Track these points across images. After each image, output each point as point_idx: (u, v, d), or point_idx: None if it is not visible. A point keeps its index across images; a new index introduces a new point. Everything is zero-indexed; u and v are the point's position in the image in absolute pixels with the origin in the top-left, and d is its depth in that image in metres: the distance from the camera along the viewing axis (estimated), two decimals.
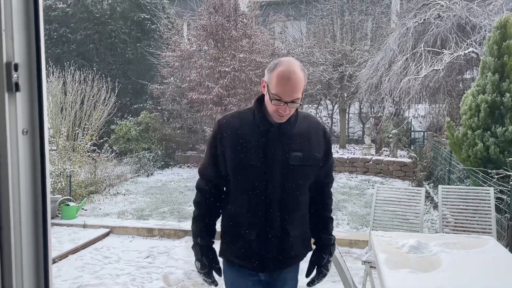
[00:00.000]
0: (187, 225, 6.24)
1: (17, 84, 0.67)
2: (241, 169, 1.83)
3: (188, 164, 12.34)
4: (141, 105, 13.51)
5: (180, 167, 12.19)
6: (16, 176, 0.68)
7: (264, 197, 1.83)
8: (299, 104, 1.77)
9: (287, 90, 1.72)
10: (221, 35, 11.12)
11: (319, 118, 4.10)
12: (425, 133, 13.13)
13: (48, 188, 0.72)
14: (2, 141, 0.66)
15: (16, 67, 0.67)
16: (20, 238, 0.68)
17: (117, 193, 8.65)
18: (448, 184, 6.83)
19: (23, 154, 0.69)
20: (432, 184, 8.71)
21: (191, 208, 7.41)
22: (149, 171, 10.90)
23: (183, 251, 5.40)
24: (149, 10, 13.57)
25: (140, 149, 11.66)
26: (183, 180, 10.10)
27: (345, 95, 13.12)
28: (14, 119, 0.67)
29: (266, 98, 1.81)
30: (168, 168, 11.88)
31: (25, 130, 0.69)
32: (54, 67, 9.04)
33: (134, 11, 13.47)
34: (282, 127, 1.84)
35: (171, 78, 12.12)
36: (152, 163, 11.31)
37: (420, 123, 13.98)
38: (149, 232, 6.15)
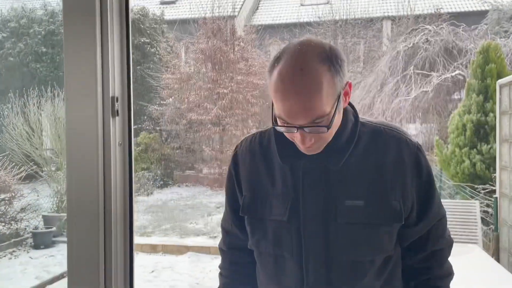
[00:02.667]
0: (189, 241, 6.47)
1: (117, 111, 0.97)
2: (257, 227, 1.14)
3: (187, 184, 12.57)
4: (140, 125, 13.82)
5: (179, 186, 12.41)
6: (115, 173, 0.98)
7: (298, 275, 1.09)
8: (326, 128, 0.97)
9: (292, 106, 0.95)
10: (219, 58, 11.55)
11: None
12: None
13: (133, 183, 1.02)
14: (107, 150, 0.96)
15: (117, 99, 0.97)
16: (116, 217, 0.98)
17: None
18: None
19: (118, 159, 0.99)
20: None
21: (192, 226, 7.68)
22: (148, 191, 11.12)
23: (187, 266, 5.62)
24: (149, 34, 14.02)
25: (139, 169, 11.91)
26: (183, 199, 10.32)
27: None
28: (114, 135, 0.98)
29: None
30: (167, 187, 12.10)
31: (120, 142, 0.99)
32: (55, 90, 9.34)
33: (134, 35, 13.90)
34: (324, 157, 1.06)
35: (170, 100, 12.48)
36: (151, 182, 11.55)
37: None
38: (153, 248, 6.36)
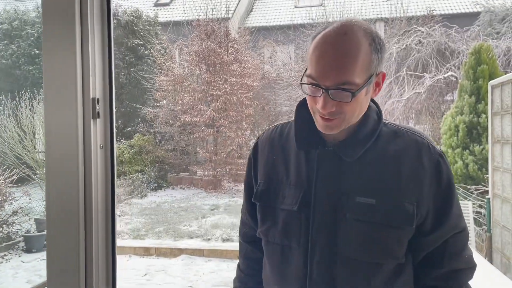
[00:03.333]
0: (183, 243, 6.44)
1: (98, 113, 0.96)
2: (268, 215, 1.14)
3: (181, 186, 12.53)
4: (134, 128, 13.77)
5: (173, 188, 12.37)
6: (96, 176, 0.96)
7: (302, 267, 1.07)
8: (351, 94, 0.96)
9: (327, 64, 0.96)
10: (213, 60, 11.53)
11: None
12: None
13: (115, 186, 1.00)
14: (88, 153, 0.94)
15: (98, 101, 0.95)
16: (98, 221, 0.96)
17: None
18: None
19: (100, 162, 0.97)
20: None
21: (185, 228, 7.64)
22: (142, 193, 11.07)
23: (180, 269, 5.59)
24: (143, 36, 13.99)
25: (133, 171, 11.86)
26: (177, 201, 10.28)
27: None
28: (95, 137, 0.96)
29: (308, 101, 1.07)
30: (161, 189, 12.06)
31: (101, 145, 0.97)
32: None
33: (127, 37, 13.87)
34: (340, 148, 1.06)
35: (164, 102, 12.45)
36: (145, 184, 11.50)
37: None
38: (146, 251, 6.33)
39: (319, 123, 1.03)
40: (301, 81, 1.00)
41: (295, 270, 1.07)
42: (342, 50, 0.95)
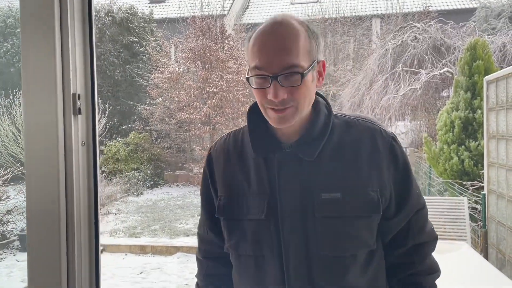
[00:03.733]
0: (179, 241, 6.42)
1: (79, 109, 0.93)
2: (235, 228, 1.09)
3: (177, 183, 12.50)
4: (130, 125, 13.71)
5: (169, 186, 12.34)
6: (77, 174, 0.93)
7: (278, 274, 1.05)
8: (300, 75, 0.95)
9: (270, 50, 0.95)
10: (208, 57, 11.48)
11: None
12: (407, 149, 13.55)
13: (98, 184, 0.97)
14: (69, 150, 0.92)
15: (79, 96, 0.93)
16: (80, 220, 0.93)
17: (108, 212, 8.78)
18: (429, 196, 7.16)
19: (81, 160, 0.94)
20: None
21: (181, 226, 7.61)
22: (138, 191, 11.04)
23: (175, 267, 5.57)
24: (138, 34, 13.91)
25: (129, 169, 11.81)
26: (173, 199, 10.25)
27: None
28: (77, 134, 0.93)
29: (256, 97, 1.03)
30: (157, 187, 12.02)
31: (83, 142, 0.95)
32: None
33: (123, 34, 13.79)
34: (297, 148, 1.04)
35: (160, 99, 12.39)
36: (141, 182, 11.46)
37: (402, 139, 14.43)
38: (142, 249, 6.30)
39: (272, 118, 1.00)
40: (247, 77, 0.99)
41: (273, 279, 1.04)
42: (282, 35, 0.95)
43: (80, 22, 0.91)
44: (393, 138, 1.08)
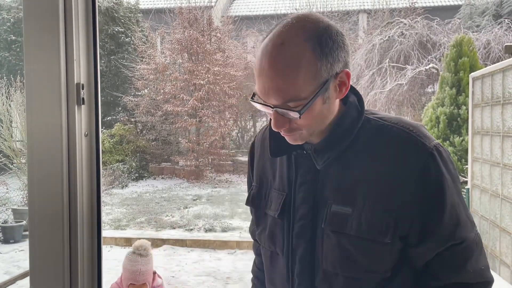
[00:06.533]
0: (165, 234, 6.39)
1: (83, 99, 0.92)
2: (259, 219, 1.09)
3: (163, 176, 12.42)
4: (114, 117, 13.54)
5: (155, 178, 12.25)
6: (80, 165, 0.92)
7: (285, 275, 1.02)
8: (298, 113, 0.85)
9: (266, 83, 0.86)
10: (195, 48, 11.39)
11: None
12: None
13: (100, 174, 0.96)
14: (72, 141, 0.91)
15: (82, 86, 0.91)
16: (83, 212, 0.92)
17: None
18: None
19: (85, 151, 0.93)
20: None
21: (167, 218, 7.59)
22: (123, 183, 10.94)
23: (162, 259, 5.55)
24: (123, 24, 13.71)
25: (114, 161, 11.69)
26: (158, 192, 10.20)
27: None
28: (80, 125, 0.92)
29: None
30: (142, 179, 11.93)
31: (86, 133, 0.93)
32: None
33: (108, 24, 13.57)
34: (314, 152, 0.96)
35: (146, 90, 12.26)
36: (126, 175, 11.36)
37: None
38: (127, 242, 6.25)
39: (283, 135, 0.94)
40: (252, 97, 0.90)
41: (281, 277, 1.02)
42: (278, 67, 0.83)
43: (83, 8, 0.90)
44: (430, 154, 0.89)
